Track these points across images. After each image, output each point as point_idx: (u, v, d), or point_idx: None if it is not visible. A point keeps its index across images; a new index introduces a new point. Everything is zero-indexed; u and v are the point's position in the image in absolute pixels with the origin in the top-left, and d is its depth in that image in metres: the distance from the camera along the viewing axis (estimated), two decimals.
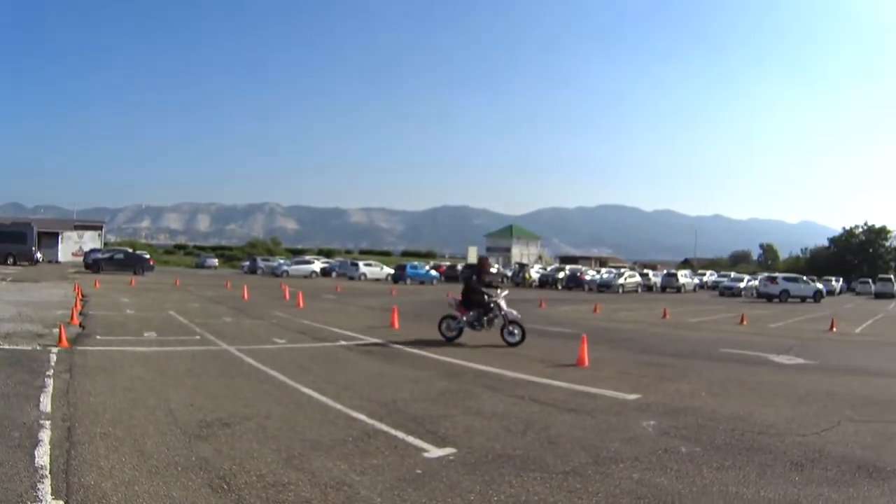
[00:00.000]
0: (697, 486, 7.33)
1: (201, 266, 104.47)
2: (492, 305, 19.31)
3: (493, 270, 20.25)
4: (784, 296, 61.43)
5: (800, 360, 18.87)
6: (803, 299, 61.55)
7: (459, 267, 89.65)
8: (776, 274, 73.98)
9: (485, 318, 19.36)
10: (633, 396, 12.37)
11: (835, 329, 30.40)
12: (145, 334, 19.07)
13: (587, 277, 78.03)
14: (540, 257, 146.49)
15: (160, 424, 9.17)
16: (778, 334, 27.96)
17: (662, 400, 12.19)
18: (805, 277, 69.73)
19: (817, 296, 62.93)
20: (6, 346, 15.29)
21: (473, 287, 19.66)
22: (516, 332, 19.10)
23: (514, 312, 19.43)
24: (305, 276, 78.29)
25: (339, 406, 10.74)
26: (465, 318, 19.51)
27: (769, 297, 61.92)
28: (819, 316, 40.72)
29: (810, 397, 13.05)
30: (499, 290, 20.37)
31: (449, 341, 19.33)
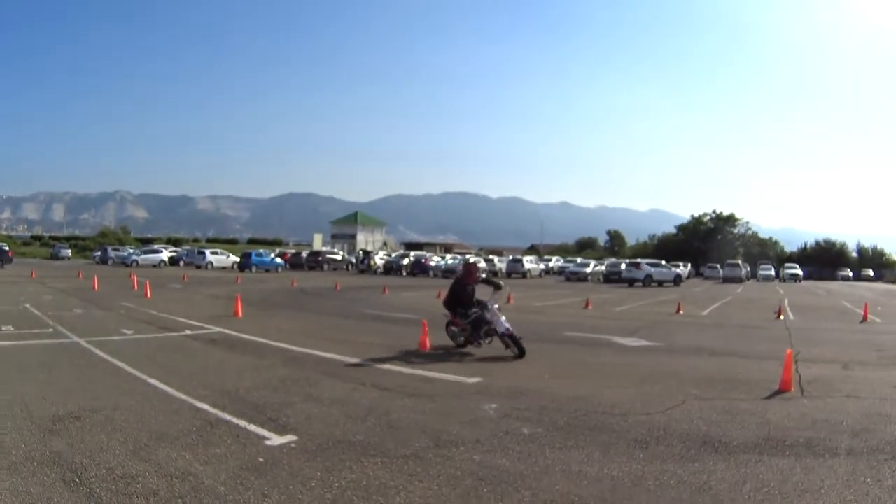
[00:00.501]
0: (540, 466, 7.46)
1: (56, 257, 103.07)
2: (486, 319, 16.82)
3: (482, 274, 17.50)
4: (648, 280, 63.78)
5: (645, 342, 19.28)
6: (661, 283, 64.03)
7: (304, 255, 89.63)
8: (639, 259, 76.04)
9: (482, 333, 17.00)
10: (474, 380, 12.51)
11: (682, 312, 31.24)
12: (2, 328, 18.92)
13: (432, 263, 79.09)
14: (385, 244, 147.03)
15: (17, 419, 9.15)
16: (624, 318, 28.58)
17: (505, 383, 12.33)
18: (664, 262, 72.02)
19: (677, 280, 66.09)
20: None
21: (459, 310, 17.46)
22: (510, 343, 16.30)
23: (508, 327, 16.53)
24: (154, 266, 78.40)
25: (183, 396, 10.79)
26: (464, 331, 17.40)
27: (632, 282, 64.00)
28: (666, 299, 41.83)
29: (655, 377, 13.36)
30: (495, 295, 17.79)
31: (461, 347, 17.26)
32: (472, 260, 17.83)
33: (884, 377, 14.27)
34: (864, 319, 29.69)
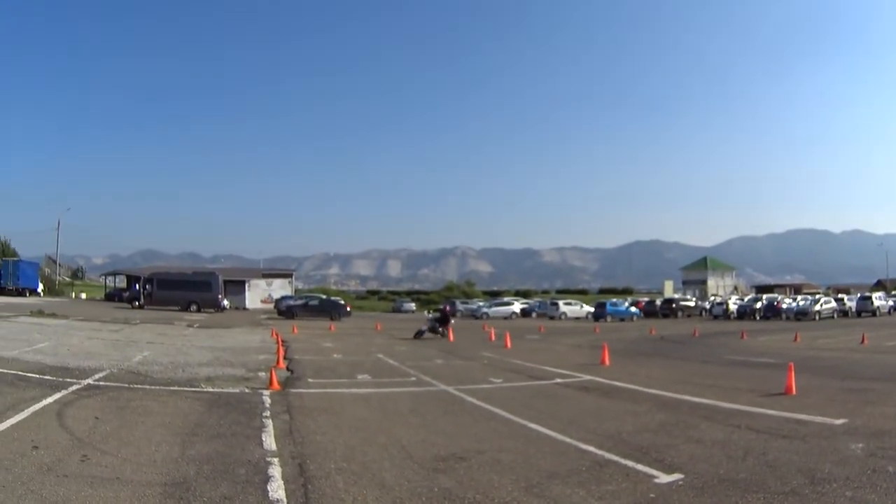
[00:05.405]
0: None
1: (398, 310, 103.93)
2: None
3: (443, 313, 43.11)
4: None
5: None
6: None
7: (658, 302, 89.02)
8: None
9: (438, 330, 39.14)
10: (840, 421, 12.31)
11: None
12: (359, 377, 19.45)
13: (784, 306, 75.30)
14: (735, 288, 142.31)
15: (395, 460, 9.41)
16: None
17: (868, 423, 12.12)
18: None
19: None
20: (211, 389, 15.74)
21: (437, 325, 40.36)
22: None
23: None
24: (505, 318, 77.10)
25: (567, 439, 10.88)
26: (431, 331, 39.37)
27: None
28: None
29: None
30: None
31: (419, 336, 37.69)
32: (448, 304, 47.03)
33: None
34: None
